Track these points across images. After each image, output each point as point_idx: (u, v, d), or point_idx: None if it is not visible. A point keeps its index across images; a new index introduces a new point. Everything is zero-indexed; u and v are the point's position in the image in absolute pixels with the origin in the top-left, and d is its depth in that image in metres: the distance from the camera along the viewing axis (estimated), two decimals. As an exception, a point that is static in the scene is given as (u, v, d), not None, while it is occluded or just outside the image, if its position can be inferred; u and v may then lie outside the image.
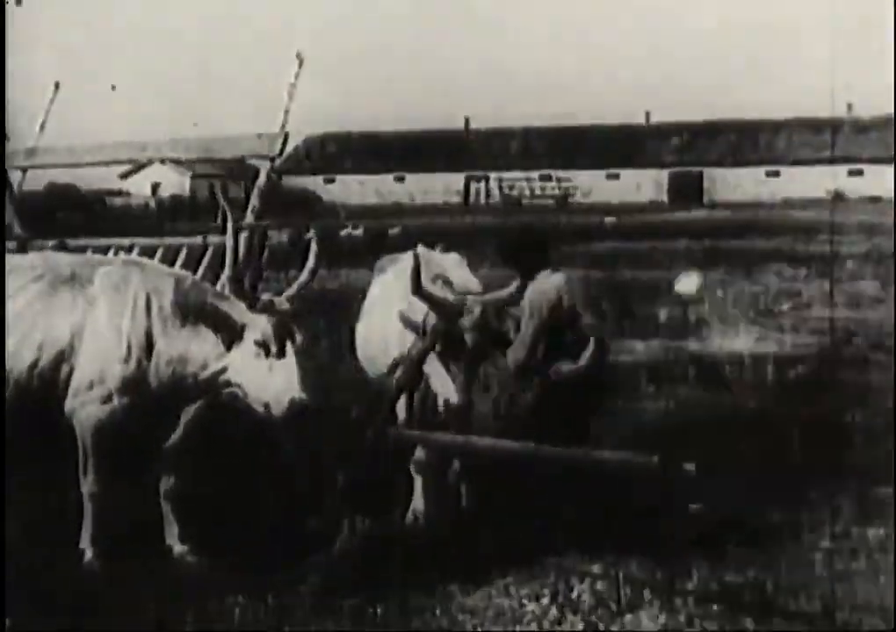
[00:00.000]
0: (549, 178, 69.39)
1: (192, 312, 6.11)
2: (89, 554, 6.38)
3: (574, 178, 68.33)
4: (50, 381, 6.19)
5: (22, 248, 7.72)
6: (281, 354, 5.93)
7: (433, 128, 73.32)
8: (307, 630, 5.61)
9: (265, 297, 6.13)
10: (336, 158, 74.06)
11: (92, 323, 6.21)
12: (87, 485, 6.30)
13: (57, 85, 9.28)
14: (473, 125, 74.05)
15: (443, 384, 6.57)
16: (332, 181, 72.13)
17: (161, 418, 6.37)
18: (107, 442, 6.19)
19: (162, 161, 67.82)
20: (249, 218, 7.71)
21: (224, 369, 6.06)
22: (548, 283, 6.69)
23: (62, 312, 6.24)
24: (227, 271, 6.09)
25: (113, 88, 10.23)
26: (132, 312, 6.19)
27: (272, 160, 7.71)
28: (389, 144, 72.89)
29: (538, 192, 68.42)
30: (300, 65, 7.74)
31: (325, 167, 73.33)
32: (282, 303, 6.12)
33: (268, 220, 7.74)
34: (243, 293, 6.06)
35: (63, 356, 6.18)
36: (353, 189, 69.83)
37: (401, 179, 71.86)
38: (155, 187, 66.38)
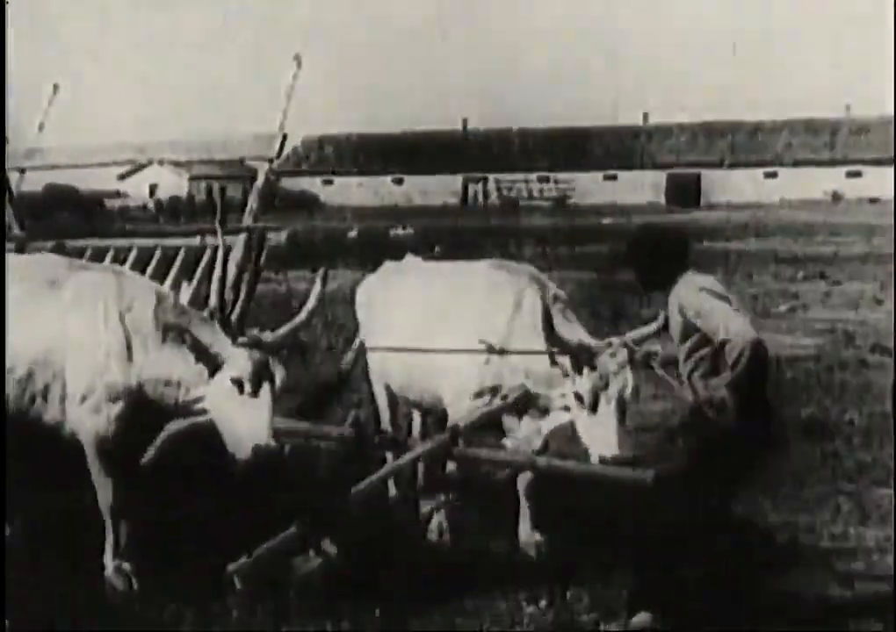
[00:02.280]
0: (547, 180, 69.41)
1: (173, 333, 5.74)
2: (111, 568, 5.94)
3: (572, 180, 68.34)
4: (27, 390, 5.86)
5: (20, 250, 7.64)
6: (255, 394, 5.52)
7: (431, 129, 73.37)
8: (306, 631, 5.49)
9: (253, 333, 5.67)
10: (334, 159, 74.06)
11: (69, 331, 5.88)
12: (103, 498, 5.88)
13: (56, 87, 9.22)
14: (470, 126, 74.13)
15: (599, 436, 5.71)
16: (330, 182, 72.14)
17: (143, 434, 5.92)
18: (109, 453, 5.84)
19: (161, 163, 67.73)
20: (248, 219, 7.59)
21: (202, 398, 5.68)
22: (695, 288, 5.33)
23: (39, 318, 5.92)
24: (212, 300, 5.67)
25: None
26: (104, 323, 5.83)
27: (271, 161, 7.63)
28: (387, 145, 72.88)
29: (535, 194, 68.43)
30: (299, 66, 7.68)
31: (323, 168, 73.35)
32: (269, 339, 5.68)
33: (266, 221, 7.59)
34: (228, 326, 5.65)
35: (37, 365, 5.83)
36: (351, 190, 69.85)
37: (399, 181, 71.87)
38: (153, 188, 66.40)
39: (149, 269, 7.40)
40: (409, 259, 7.69)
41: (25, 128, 8.85)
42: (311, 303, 5.94)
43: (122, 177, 65.32)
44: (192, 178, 65.37)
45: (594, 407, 5.79)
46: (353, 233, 35.74)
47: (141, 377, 5.78)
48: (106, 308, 5.86)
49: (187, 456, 6.07)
